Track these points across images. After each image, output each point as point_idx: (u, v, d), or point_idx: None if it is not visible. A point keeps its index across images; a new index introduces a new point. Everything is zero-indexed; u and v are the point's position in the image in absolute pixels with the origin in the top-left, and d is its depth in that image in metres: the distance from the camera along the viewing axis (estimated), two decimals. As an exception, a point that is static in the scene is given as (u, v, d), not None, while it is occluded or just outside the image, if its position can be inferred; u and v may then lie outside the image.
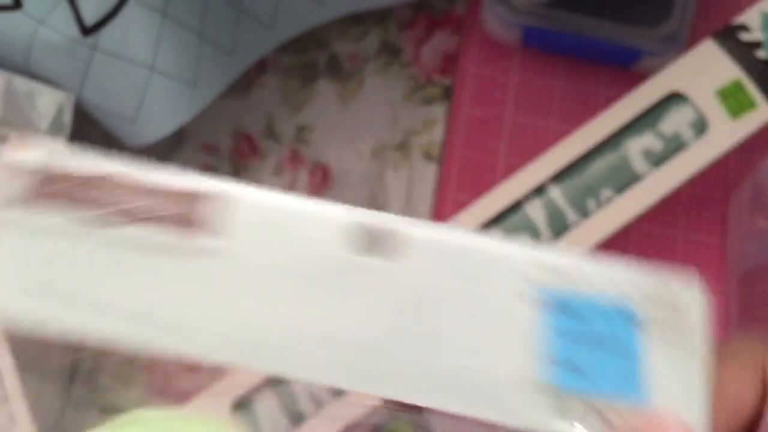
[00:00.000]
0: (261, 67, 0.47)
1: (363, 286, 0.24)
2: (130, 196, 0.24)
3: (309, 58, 0.49)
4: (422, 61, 0.49)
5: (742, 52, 0.41)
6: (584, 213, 0.39)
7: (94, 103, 0.39)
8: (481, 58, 0.48)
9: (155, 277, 0.23)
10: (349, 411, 0.37)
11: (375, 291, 0.24)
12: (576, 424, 0.23)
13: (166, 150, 0.47)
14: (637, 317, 0.24)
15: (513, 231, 0.39)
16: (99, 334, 0.22)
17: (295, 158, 0.48)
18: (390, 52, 0.49)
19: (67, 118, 0.39)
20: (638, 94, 0.40)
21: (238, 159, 0.48)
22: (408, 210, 0.47)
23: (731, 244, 0.45)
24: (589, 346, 0.24)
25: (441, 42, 0.49)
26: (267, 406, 0.37)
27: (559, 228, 0.39)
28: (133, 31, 0.37)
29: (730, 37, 0.41)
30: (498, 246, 0.25)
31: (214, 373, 0.45)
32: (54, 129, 0.38)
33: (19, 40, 0.37)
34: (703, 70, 0.40)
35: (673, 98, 0.40)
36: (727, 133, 0.40)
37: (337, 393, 0.37)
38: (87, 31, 0.37)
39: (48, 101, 0.38)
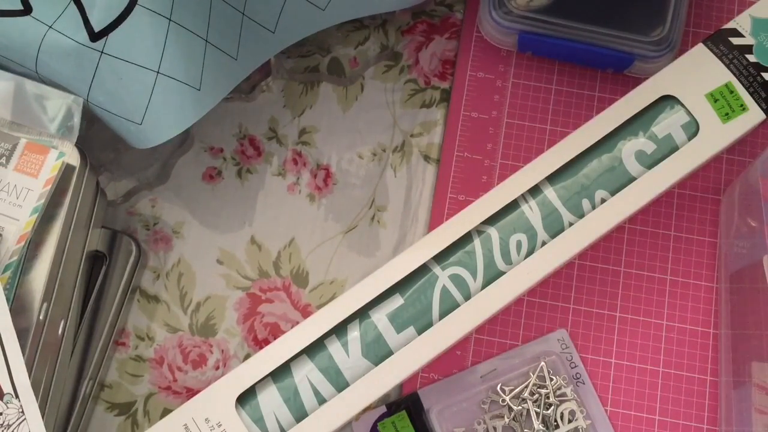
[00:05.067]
0: (264, 71, 0.48)
1: None
2: None
3: (311, 63, 0.49)
4: (421, 65, 0.49)
5: (733, 56, 0.41)
6: (579, 213, 0.40)
7: (102, 106, 0.39)
8: (478, 63, 0.49)
9: None
10: (350, 407, 0.37)
11: None
12: None
13: (172, 152, 0.48)
14: None
15: (509, 231, 0.39)
16: None
17: (298, 160, 0.48)
18: (390, 56, 0.50)
19: (77, 120, 0.39)
20: (632, 98, 0.41)
21: (243, 160, 0.48)
22: (407, 210, 0.47)
23: (722, 244, 0.45)
24: None
25: (439, 47, 0.50)
26: (271, 400, 0.37)
27: (554, 228, 0.40)
28: (139, 36, 0.37)
29: (721, 42, 0.41)
30: None
31: (219, 368, 0.45)
32: (63, 131, 0.39)
33: (28, 44, 0.38)
34: (694, 74, 0.41)
35: (666, 101, 0.41)
36: (718, 136, 0.40)
37: (340, 388, 0.37)
38: (95, 35, 0.37)
39: (57, 104, 0.39)
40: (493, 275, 0.39)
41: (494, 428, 0.43)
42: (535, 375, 0.43)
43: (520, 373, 0.44)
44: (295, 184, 0.48)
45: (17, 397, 0.36)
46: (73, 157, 0.39)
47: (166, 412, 0.44)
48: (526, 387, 0.43)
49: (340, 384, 0.37)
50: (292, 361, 0.38)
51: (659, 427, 0.44)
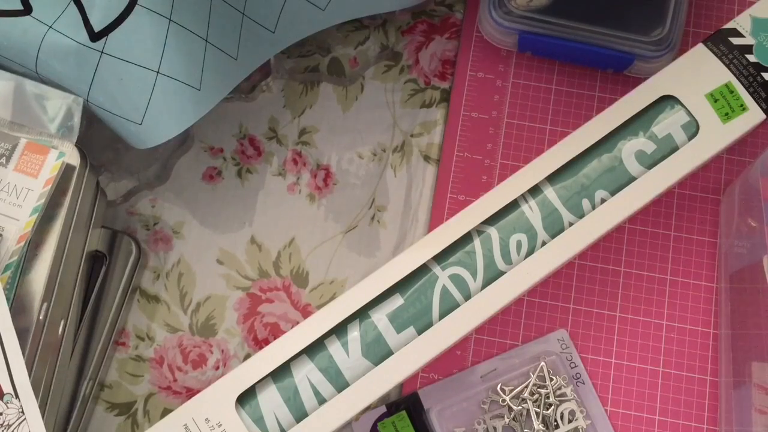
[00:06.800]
0: (264, 71, 0.48)
1: None
2: None
3: (311, 63, 0.49)
4: (421, 65, 0.49)
5: (733, 56, 0.41)
6: (579, 213, 0.40)
7: (102, 106, 0.39)
8: (478, 63, 0.49)
9: None
10: (350, 407, 0.37)
11: None
12: None
13: (172, 152, 0.47)
14: None
15: (509, 231, 0.39)
16: None
17: (298, 160, 0.48)
18: (390, 56, 0.50)
19: (77, 120, 0.39)
20: (632, 98, 0.41)
21: (243, 160, 0.48)
22: (407, 210, 0.47)
23: (722, 244, 0.45)
24: None
25: (439, 47, 0.50)
26: (271, 400, 0.37)
27: (554, 228, 0.40)
28: (139, 36, 0.37)
29: (721, 42, 0.41)
30: None
31: (219, 367, 0.45)
32: (63, 131, 0.39)
33: (28, 44, 0.38)
34: (694, 74, 0.41)
35: (666, 101, 0.41)
36: (718, 136, 0.40)
37: (340, 388, 0.37)
38: (95, 35, 0.37)
39: (57, 104, 0.39)
40: (493, 275, 0.39)
41: (494, 428, 0.43)
42: (535, 375, 0.43)
43: (520, 373, 0.44)
44: (295, 184, 0.48)
45: (17, 397, 0.36)
46: (73, 157, 0.39)
47: (166, 412, 0.44)
48: (526, 387, 0.43)
49: (340, 384, 0.37)
50: (292, 361, 0.38)
51: (659, 427, 0.44)
